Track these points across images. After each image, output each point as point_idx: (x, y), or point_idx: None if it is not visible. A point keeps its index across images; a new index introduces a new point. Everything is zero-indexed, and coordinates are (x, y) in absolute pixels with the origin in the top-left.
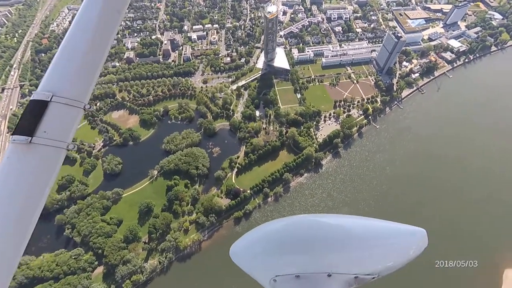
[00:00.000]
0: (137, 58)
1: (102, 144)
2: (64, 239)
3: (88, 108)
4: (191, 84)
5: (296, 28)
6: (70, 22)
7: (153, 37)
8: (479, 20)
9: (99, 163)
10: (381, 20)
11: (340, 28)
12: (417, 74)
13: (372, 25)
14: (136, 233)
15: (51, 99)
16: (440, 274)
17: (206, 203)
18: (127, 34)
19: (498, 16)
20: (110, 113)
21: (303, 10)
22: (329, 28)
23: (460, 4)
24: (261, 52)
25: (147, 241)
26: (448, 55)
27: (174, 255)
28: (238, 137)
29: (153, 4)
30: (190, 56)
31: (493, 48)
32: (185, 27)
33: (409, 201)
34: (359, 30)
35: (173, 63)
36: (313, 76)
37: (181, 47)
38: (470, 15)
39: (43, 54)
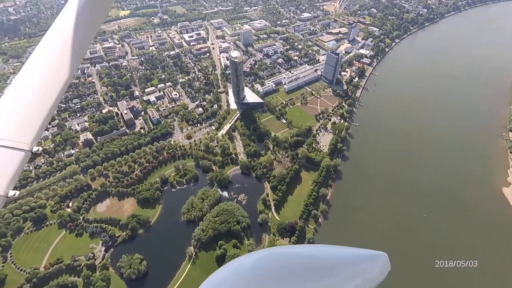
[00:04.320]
0: (98, 138)
1: (103, 248)
2: None
3: (36, 151)
4: (177, 144)
5: (247, 67)
6: None
7: (104, 111)
8: (367, 34)
9: (111, 273)
10: (305, 47)
11: (281, 60)
12: (356, 78)
13: (303, 52)
14: None
15: None
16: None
17: None
18: (67, 117)
19: (375, 29)
20: (93, 208)
21: (242, 52)
22: (273, 62)
23: (353, 25)
24: (226, 95)
25: None
26: (366, 60)
27: None
28: (255, 176)
29: (83, 80)
30: (159, 118)
31: (387, 49)
32: (136, 93)
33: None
34: (296, 58)
35: (142, 130)
36: (284, 102)
37: (142, 112)
38: (360, 31)
39: None
